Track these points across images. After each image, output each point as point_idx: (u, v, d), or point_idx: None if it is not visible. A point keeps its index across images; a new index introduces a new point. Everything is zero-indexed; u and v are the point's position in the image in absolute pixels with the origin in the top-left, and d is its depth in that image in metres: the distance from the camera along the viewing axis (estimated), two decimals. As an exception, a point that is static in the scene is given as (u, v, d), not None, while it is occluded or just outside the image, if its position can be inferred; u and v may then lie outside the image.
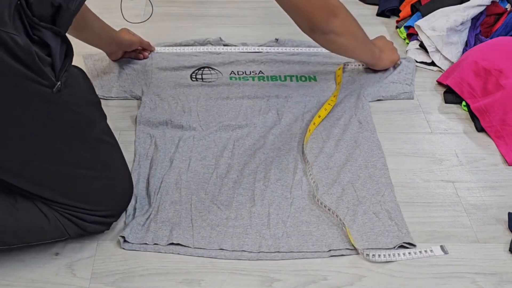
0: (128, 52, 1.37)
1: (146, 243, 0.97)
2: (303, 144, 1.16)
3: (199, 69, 1.38)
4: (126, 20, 1.30)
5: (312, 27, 1.09)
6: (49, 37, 0.77)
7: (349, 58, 1.31)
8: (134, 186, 1.06)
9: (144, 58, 1.38)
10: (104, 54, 1.39)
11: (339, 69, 1.36)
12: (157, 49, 1.42)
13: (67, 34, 0.85)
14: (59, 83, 0.79)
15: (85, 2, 0.84)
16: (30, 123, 0.80)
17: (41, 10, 0.76)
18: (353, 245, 0.97)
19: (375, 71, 1.37)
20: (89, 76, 1.33)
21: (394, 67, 1.39)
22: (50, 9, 0.77)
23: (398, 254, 0.97)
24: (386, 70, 1.38)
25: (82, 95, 0.88)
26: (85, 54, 1.40)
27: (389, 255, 0.96)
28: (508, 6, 1.46)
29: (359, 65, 1.39)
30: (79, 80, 0.89)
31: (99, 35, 1.25)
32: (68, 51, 0.82)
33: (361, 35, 1.20)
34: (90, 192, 0.92)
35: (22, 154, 0.82)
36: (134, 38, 1.35)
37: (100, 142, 0.92)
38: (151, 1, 1.26)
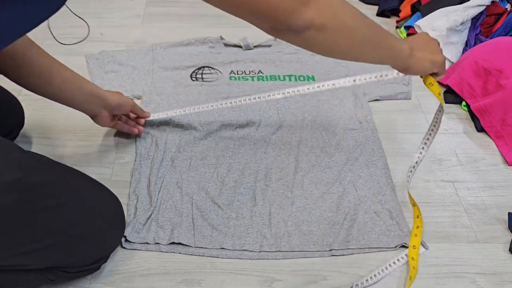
0: (120, 122, 1.15)
1: (147, 243, 0.97)
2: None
3: (199, 68, 1.38)
4: (58, 42, 1.15)
5: (275, 26, 0.76)
6: None
7: (356, 61, 0.90)
8: (135, 185, 1.06)
9: (139, 132, 1.17)
10: (106, 53, 1.40)
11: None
12: (152, 115, 1.19)
13: None
14: None
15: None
16: None
17: None
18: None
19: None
20: (90, 76, 1.34)
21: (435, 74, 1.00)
22: None
23: (386, 268, 0.95)
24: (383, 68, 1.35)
25: None
26: (87, 54, 1.40)
27: (379, 273, 0.94)
28: (508, 6, 1.46)
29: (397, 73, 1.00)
30: None
31: (65, 89, 0.98)
32: None
33: (360, 24, 0.82)
34: (58, 256, 0.82)
35: None
36: (123, 100, 1.09)
37: (40, 213, 0.76)
38: (86, 22, 1.10)
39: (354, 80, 1.04)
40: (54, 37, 1.47)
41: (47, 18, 0.72)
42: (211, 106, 1.16)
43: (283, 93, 1.09)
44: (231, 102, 1.14)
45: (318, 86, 1.07)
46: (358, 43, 0.83)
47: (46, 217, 0.77)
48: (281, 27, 0.75)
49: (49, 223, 0.78)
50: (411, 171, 1.04)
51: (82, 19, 1.54)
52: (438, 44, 0.97)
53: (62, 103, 1.01)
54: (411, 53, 0.91)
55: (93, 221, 0.85)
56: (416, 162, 1.04)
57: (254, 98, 1.11)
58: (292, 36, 0.77)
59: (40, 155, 0.83)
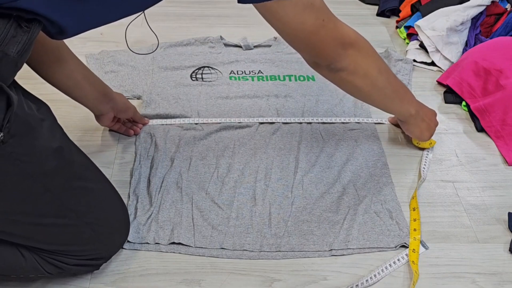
0: (119, 123, 1.18)
1: (147, 243, 0.97)
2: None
3: (199, 68, 1.38)
4: (131, 50, 1.20)
5: (318, 62, 0.92)
6: None
7: (372, 105, 1.08)
8: (135, 185, 1.06)
9: (135, 133, 1.19)
10: (106, 53, 1.39)
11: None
12: (151, 121, 1.22)
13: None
14: (1, 134, 0.70)
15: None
16: None
17: None
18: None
19: None
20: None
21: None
22: None
23: (386, 268, 0.95)
24: None
25: (36, 143, 0.76)
26: (87, 54, 1.40)
27: (379, 273, 0.95)
28: (508, 6, 1.46)
29: None
30: (33, 127, 0.76)
31: (83, 87, 1.03)
32: (9, 101, 0.71)
33: (382, 78, 0.98)
34: (65, 238, 0.85)
35: None
36: (128, 104, 1.15)
37: (67, 189, 0.81)
38: (155, 34, 1.09)
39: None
40: (54, 37, 1.46)
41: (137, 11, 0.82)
42: (211, 120, 1.22)
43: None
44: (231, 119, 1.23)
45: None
46: (376, 92, 1.00)
47: (72, 196, 0.82)
48: (322, 64, 0.92)
49: (72, 202, 0.82)
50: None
51: (82, 19, 1.54)
52: (435, 125, 1.15)
53: (73, 98, 1.03)
54: (416, 115, 1.09)
55: (108, 217, 0.89)
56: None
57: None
58: (328, 72, 0.94)
59: None
